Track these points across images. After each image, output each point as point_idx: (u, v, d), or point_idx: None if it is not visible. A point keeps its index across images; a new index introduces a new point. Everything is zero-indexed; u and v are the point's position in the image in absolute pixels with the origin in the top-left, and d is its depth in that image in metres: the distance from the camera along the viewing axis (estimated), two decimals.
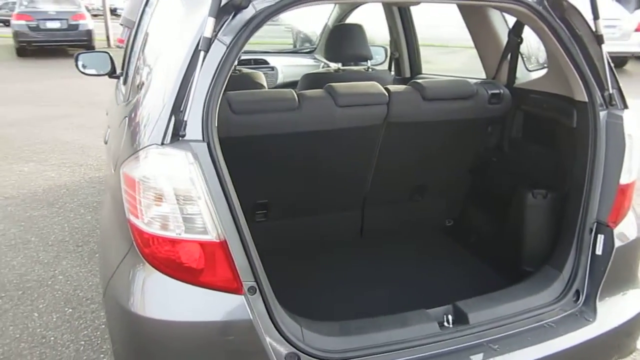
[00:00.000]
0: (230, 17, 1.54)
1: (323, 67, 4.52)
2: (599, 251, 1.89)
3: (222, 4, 1.47)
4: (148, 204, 1.43)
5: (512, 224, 2.36)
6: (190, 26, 1.56)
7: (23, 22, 13.79)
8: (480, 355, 1.67)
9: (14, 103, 8.68)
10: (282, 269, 2.38)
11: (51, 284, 3.28)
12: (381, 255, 2.55)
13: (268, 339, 1.50)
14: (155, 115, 1.50)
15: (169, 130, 1.44)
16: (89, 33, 14.32)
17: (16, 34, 13.98)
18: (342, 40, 3.13)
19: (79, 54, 3.44)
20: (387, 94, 2.23)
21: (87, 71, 3.32)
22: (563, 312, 1.85)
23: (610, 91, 1.91)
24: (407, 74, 3.48)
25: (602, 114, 1.91)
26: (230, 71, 1.55)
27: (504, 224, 2.42)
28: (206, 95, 1.49)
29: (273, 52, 5.02)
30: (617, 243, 1.86)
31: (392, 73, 3.63)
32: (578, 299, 1.89)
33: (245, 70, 3.24)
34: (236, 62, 4.33)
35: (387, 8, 3.56)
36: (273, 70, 4.44)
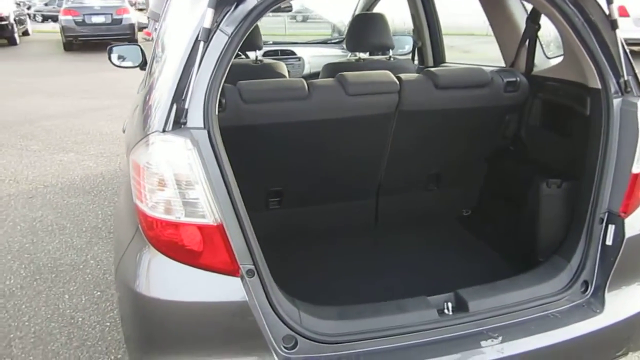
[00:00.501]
0: (233, 7, 1.58)
1: (350, 57, 4.53)
2: (609, 241, 1.85)
3: None
4: (151, 189, 1.50)
5: (526, 213, 2.32)
6: (193, 17, 1.60)
7: (70, 17, 14.36)
8: (480, 343, 1.66)
9: (59, 95, 9.07)
10: (294, 255, 2.43)
11: (82, 268, 3.44)
12: (395, 244, 2.56)
13: (265, 321, 1.55)
14: (160, 104, 1.56)
15: (171, 118, 1.49)
16: (131, 27, 14.77)
17: (63, 29, 14.56)
18: (363, 29, 3.13)
19: (112, 46, 3.56)
20: (398, 83, 2.23)
21: (119, 63, 3.43)
22: (570, 303, 1.82)
23: (626, 78, 1.85)
24: (430, 63, 3.44)
25: (617, 101, 1.86)
26: (231, 60, 1.59)
27: (519, 214, 2.39)
28: (208, 84, 1.54)
29: (301, 43, 5.06)
30: (629, 233, 1.81)
31: (416, 62, 3.60)
32: (586, 289, 1.86)
33: (266, 60, 3.28)
34: (260, 53, 4.39)
35: None
36: (300, 60, 4.47)
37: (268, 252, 2.46)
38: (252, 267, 1.55)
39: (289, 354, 1.58)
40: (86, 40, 14.65)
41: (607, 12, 1.81)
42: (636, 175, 1.82)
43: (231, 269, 1.50)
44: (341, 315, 1.68)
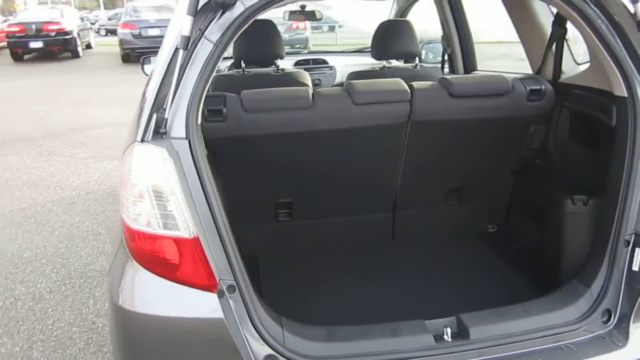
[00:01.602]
0: (218, 15, 1.54)
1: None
2: (635, 267, 1.66)
3: (204, 2, 1.47)
4: (132, 200, 1.47)
5: (551, 232, 2.14)
6: (177, 25, 1.58)
7: (127, 30, 14.99)
8: None
9: (111, 105, 9.43)
10: (302, 270, 2.36)
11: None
12: (410, 261, 2.43)
13: (246, 339, 1.48)
14: (143, 113, 1.54)
15: (150, 127, 1.46)
16: None
17: (121, 42, 15.21)
18: (388, 37, 3.04)
19: (145, 57, 3.63)
20: (409, 91, 2.12)
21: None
22: (588, 334, 1.65)
23: None
24: (461, 71, 3.29)
25: None
26: (215, 69, 1.54)
27: (542, 233, 2.21)
28: (191, 93, 1.50)
29: (335, 52, 5.01)
30: None
31: (446, 70, 3.46)
32: (609, 319, 1.67)
33: (288, 69, 3.24)
34: (291, 62, 4.35)
35: (437, 1, 3.40)
36: (331, 69, 4.41)
37: (275, 265, 2.41)
38: (233, 282, 1.49)
39: None
40: (142, 52, 15.22)
41: (632, 11, 1.64)
42: None
43: (208, 284, 1.44)
44: (328, 337, 1.59)
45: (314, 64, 4.43)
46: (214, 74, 1.55)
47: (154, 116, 1.47)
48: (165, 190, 1.42)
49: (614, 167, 1.75)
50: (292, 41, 10.44)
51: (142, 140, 1.46)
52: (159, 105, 1.48)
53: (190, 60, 1.50)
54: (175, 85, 1.46)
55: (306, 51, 5.25)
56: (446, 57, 3.38)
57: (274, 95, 2.15)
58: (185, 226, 1.43)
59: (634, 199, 1.66)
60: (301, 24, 12.09)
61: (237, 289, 1.49)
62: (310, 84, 3.18)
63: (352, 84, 2.14)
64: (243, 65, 3.08)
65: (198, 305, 1.45)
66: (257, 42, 2.96)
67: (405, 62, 3.46)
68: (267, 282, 2.30)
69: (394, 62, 3.38)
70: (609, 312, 1.67)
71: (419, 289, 2.20)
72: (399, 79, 2.18)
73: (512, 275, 2.26)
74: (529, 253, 2.31)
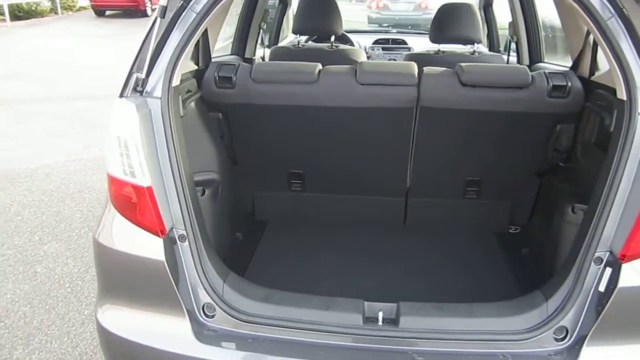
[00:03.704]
0: None
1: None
2: (601, 287, 1.52)
3: None
4: (109, 148, 1.67)
5: (550, 240, 1.99)
6: None
7: None
8: None
9: None
10: (303, 239, 2.46)
11: None
12: (412, 248, 2.40)
13: (190, 285, 1.63)
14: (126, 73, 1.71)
15: (129, 85, 1.64)
16: None
17: None
18: (447, 20, 2.94)
19: None
20: (416, 76, 2.08)
21: None
22: (534, 348, 1.55)
23: None
24: (526, 61, 3.06)
25: None
26: (197, 36, 1.67)
27: (545, 240, 2.06)
28: (171, 58, 1.65)
29: (418, 33, 4.88)
30: (624, 282, 1.46)
31: (513, 59, 3.24)
32: (565, 338, 1.55)
33: (342, 46, 3.27)
34: (370, 41, 4.34)
35: None
36: (409, 50, 4.33)
37: (281, 230, 2.53)
38: (184, 232, 1.64)
39: (206, 321, 1.64)
40: None
41: None
42: None
43: (156, 230, 1.60)
44: (265, 298, 1.68)
45: (393, 44, 4.37)
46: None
47: (134, 75, 1.65)
48: (129, 142, 1.59)
49: (599, 178, 1.59)
50: (379, 20, 10.21)
51: (122, 96, 1.65)
52: (139, 66, 1.65)
53: (174, 27, 1.64)
54: (153, 50, 1.62)
55: (394, 30, 5.15)
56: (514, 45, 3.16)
57: (281, 68, 2.23)
58: (142, 175, 1.59)
59: (610, 215, 1.51)
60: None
61: (187, 239, 1.64)
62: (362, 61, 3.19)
63: (362, 64, 2.15)
64: (299, 38, 3.19)
65: (147, 247, 1.61)
66: (314, 17, 3.03)
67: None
68: (267, 245, 2.44)
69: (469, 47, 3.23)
70: (565, 330, 1.56)
71: (402, 274, 2.18)
72: (408, 63, 2.14)
73: (506, 278, 2.14)
74: (534, 260, 2.17)
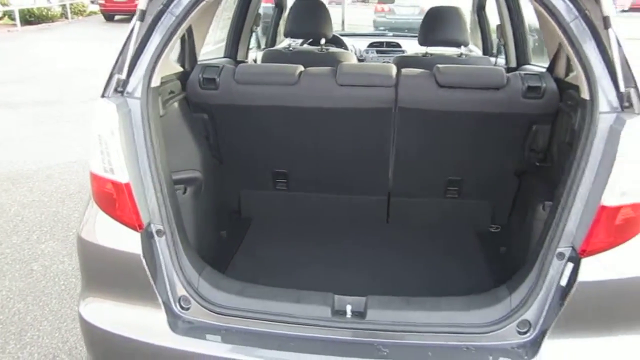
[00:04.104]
0: None
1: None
2: (563, 282, 1.55)
3: None
4: (92, 145, 1.74)
5: (524, 238, 2.03)
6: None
7: None
8: (362, 355, 1.57)
9: None
10: (287, 237, 2.51)
11: None
12: (394, 245, 2.44)
13: (167, 278, 1.69)
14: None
15: (111, 86, 1.71)
16: None
17: None
18: (435, 23, 2.98)
19: None
20: (394, 77, 2.13)
21: None
22: (498, 341, 1.59)
23: (622, 90, 1.52)
24: (513, 64, 3.11)
25: (609, 117, 1.53)
26: (176, 39, 1.73)
27: (520, 238, 2.10)
28: (151, 60, 1.71)
29: (414, 36, 4.91)
30: (583, 277, 1.50)
31: (501, 61, 3.28)
32: (528, 332, 1.59)
33: (332, 49, 3.33)
34: (365, 44, 4.38)
35: None
36: (403, 53, 4.37)
37: (266, 228, 2.59)
38: (161, 227, 1.70)
39: (181, 313, 1.70)
40: None
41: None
42: (604, 209, 1.49)
43: (134, 225, 1.67)
44: (239, 292, 1.73)
45: (387, 47, 4.42)
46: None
47: (115, 76, 1.71)
48: (109, 140, 1.66)
49: (563, 176, 1.63)
50: (385, 23, 10.27)
51: (103, 96, 1.72)
52: (120, 67, 1.72)
53: (155, 30, 1.71)
54: (133, 53, 1.68)
55: (391, 34, 5.21)
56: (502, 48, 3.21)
57: (263, 70, 2.29)
58: (120, 172, 1.66)
59: (572, 211, 1.55)
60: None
61: (164, 234, 1.70)
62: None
63: (342, 66, 2.21)
64: (290, 42, 3.25)
65: (126, 241, 1.67)
66: (304, 21, 3.10)
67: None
68: (250, 242, 2.50)
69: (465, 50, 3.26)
70: (528, 324, 1.59)
71: (379, 270, 2.22)
72: (387, 65, 2.20)
73: (482, 276, 2.18)
74: (511, 258, 2.20)
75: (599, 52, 1.55)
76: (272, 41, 4.19)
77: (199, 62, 2.38)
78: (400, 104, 2.16)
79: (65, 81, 9.16)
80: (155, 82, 1.76)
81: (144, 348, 1.67)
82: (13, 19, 16.82)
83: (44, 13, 18.20)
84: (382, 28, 8.50)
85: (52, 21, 18.34)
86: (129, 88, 1.71)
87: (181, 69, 2.25)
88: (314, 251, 2.38)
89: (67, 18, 19.32)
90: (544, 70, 2.30)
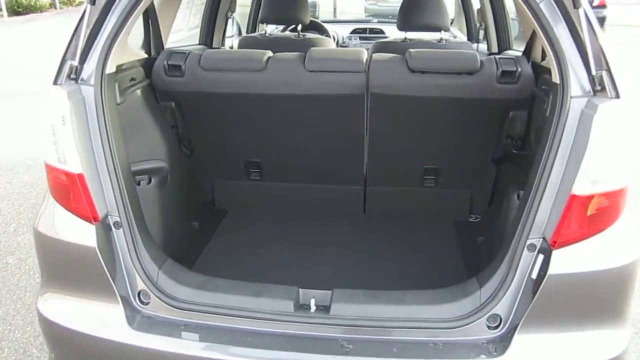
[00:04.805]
0: None
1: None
2: (533, 274, 1.50)
3: None
4: (47, 136, 1.66)
5: (499, 228, 1.97)
6: None
7: None
8: (325, 350, 1.51)
9: None
10: (261, 228, 2.45)
11: None
12: (369, 236, 2.39)
13: (125, 271, 1.63)
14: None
15: (63, 72, 1.63)
16: None
17: None
18: (413, 8, 2.90)
19: None
20: (364, 62, 2.06)
21: None
22: (467, 336, 1.54)
23: (594, 73, 1.45)
24: (494, 49, 3.03)
25: (580, 102, 1.47)
26: (132, 22, 1.66)
27: (496, 228, 2.04)
28: (105, 45, 1.64)
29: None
30: (554, 269, 1.45)
31: (483, 47, 3.21)
32: (499, 326, 1.54)
33: (309, 35, 3.24)
34: (347, 30, 4.32)
35: None
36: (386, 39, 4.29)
37: (240, 219, 2.53)
38: (118, 219, 1.63)
39: (141, 308, 1.64)
40: None
41: None
42: (574, 198, 1.43)
43: (88, 217, 1.60)
44: (199, 285, 1.68)
45: (371, 33, 4.34)
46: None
47: (67, 62, 1.64)
48: (61, 129, 1.59)
49: (534, 163, 1.57)
50: (376, 11, 10.15)
51: (55, 83, 1.64)
52: (72, 52, 1.64)
53: (109, 14, 1.63)
54: (86, 38, 1.61)
55: (375, 20, 5.12)
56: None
57: (230, 56, 2.22)
58: (72, 162, 1.58)
59: (543, 201, 1.49)
60: None
61: (122, 226, 1.64)
62: None
63: (311, 51, 2.13)
64: (266, 27, 3.17)
65: (80, 234, 1.61)
66: (279, 6, 3.01)
67: None
68: (222, 234, 2.44)
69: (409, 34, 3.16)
70: (499, 319, 1.54)
71: (352, 262, 2.17)
72: (359, 49, 2.12)
73: (457, 267, 2.13)
74: (486, 248, 2.15)
75: (569, 33, 1.48)
76: (252, 28, 4.10)
77: (165, 49, 2.30)
78: (372, 89, 2.09)
79: (51, 71, 9.00)
80: (111, 68, 1.68)
81: (100, 344, 1.61)
82: (0, 10, 16.59)
83: (32, 3, 17.95)
84: (371, 15, 8.39)
85: (41, 11, 18.09)
86: (84, 75, 1.64)
87: (145, 56, 2.17)
88: (287, 243, 2.32)
89: (55, 8, 19.06)
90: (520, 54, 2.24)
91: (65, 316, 1.69)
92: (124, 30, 1.65)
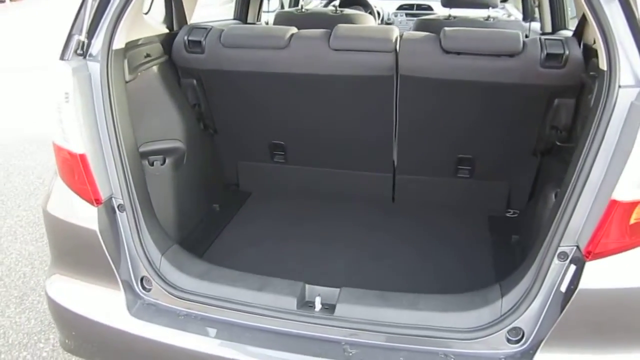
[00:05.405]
0: None
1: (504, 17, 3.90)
2: (563, 287, 1.33)
3: None
4: (52, 114, 1.62)
5: (534, 228, 1.79)
6: None
7: None
8: (326, 353, 1.41)
9: None
10: (284, 212, 2.35)
11: None
12: (395, 228, 2.23)
13: (129, 256, 1.58)
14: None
15: (70, 48, 1.57)
16: None
17: None
18: None
19: None
20: (393, 41, 1.89)
21: None
22: (484, 349, 1.39)
23: None
24: (548, 29, 2.76)
25: (632, 92, 1.27)
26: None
27: (532, 227, 1.85)
28: (113, 21, 1.56)
29: None
30: (585, 284, 1.27)
31: (536, 27, 2.94)
32: (520, 341, 1.38)
33: (347, 11, 3.07)
34: (395, 5, 4.12)
35: None
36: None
37: (263, 202, 2.44)
38: (122, 202, 1.58)
39: (143, 294, 1.60)
40: None
41: None
42: (615, 204, 1.24)
43: (91, 199, 1.55)
44: (202, 275, 1.60)
45: (418, 9, 4.10)
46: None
47: (74, 37, 1.57)
48: (64, 107, 1.53)
49: (572, 160, 1.38)
50: None
51: (62, 59, 1.58)
52: (79, 27, 1.57)
53: None
54: (94, 11, 1.53)
55: None
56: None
57: (251, 32, 2.09)
58: (75, 142, 1.53)
59: (579, 203, 1.30)
60: None
61: (125, 209, 1.58)
62: None
63: (337, 28, 1.98)
64: (302, 3, 3.03)
65: (84, 215, 1.57)
66: None
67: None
68: (242, 218, 2.36)
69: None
70: (522, 332, 1.38)
71: (371, 257, 2.03)
72: (387, 27, 1.95)
73: (486, 268, 1.95)
74: (520, 249, 1.96)
75: (622, 12, 1.27)
76: (295, 1, 3.96)
77: (189, 24, 2.21)
78: (402, 71, 1.92)
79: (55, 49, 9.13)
80: (119, 43, 1.61)
81: (100, 328, 1.58)
82: None
83: None
84: None
85: None
86: (92, 50, 1.57)
87: (166, 31, 2.09)
88: (307, 232, 2.21)
89: None
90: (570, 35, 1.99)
91: (69, 299, 1.67)
92: (131, 4, 1.56)
